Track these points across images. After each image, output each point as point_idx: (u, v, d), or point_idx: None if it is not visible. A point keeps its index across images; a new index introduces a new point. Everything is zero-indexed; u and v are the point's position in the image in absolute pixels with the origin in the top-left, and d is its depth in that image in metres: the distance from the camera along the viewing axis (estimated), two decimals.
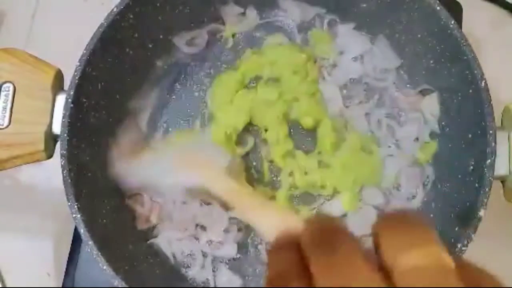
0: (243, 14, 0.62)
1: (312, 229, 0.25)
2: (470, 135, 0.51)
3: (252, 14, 0.62)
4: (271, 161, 0.58)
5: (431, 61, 0.56)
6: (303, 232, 0.25)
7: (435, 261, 0.21)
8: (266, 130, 0.58)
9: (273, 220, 0.32)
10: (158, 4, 0.55)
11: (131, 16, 0.53)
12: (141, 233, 0.56)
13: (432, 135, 0.58)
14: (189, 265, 0.56)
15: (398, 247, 0.22)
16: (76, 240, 0.58)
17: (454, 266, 0.21)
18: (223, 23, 0.62)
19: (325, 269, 0.22)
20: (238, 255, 0.56)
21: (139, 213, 0.56)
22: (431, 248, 0.22)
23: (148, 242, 0.55)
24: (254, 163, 0.58)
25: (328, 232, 0.23)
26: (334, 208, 0.56)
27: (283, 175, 0.57)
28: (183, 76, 0.61)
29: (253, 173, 0.58)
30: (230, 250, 0.55)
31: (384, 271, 0.22)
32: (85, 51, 0.49)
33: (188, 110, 0.60)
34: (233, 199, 0.39)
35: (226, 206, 0.49)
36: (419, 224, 0.23)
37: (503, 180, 0.50)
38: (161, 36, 0.59)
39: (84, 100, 0.50)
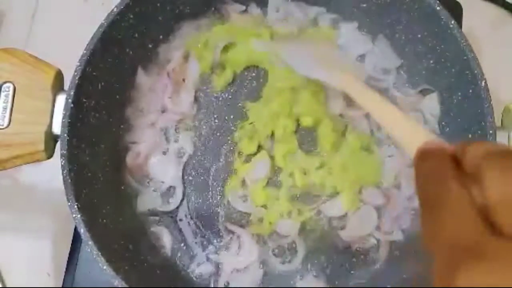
0: (245, 11, 0.62)
1: (485, 145, 0.25)
2: (470, 135, 0.51)
3: (255, 11, 0.62)
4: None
5: (431, 61, 0.56)
6: (470, 143, 0.26)
7: None
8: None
9: (416, 133, 0.33)
10: (158, 4, 0.55)
11: (131, 16, 0.53)
12: (141, 233, 0.56)
13: None
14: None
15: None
16: (76, 240, 0.58)
17: None
18: (223, 23, 0.62)
19: (500, 174, 0.22)
20: None
21: None
22: None
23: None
24: None
25: (505, 150, 0.24)
26: (334, 208, 0.56)
27: (283, 175, 0.57)
28: None
29: None
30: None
31: None
32: (85, 51, 0.49)
33: None
34: (374, 107, 0.41)
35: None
36: None
37: None
38: (161, 36, 0.59)
39: (84, 100, 0.50)
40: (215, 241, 0.56)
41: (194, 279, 0.55)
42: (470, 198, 0.23)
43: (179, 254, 0.56)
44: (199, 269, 0.56)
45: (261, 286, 0.55)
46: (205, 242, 0.56)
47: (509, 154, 0.24)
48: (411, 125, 0.35)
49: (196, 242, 0.56)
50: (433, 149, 0.29)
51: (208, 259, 0.56)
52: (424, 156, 0.29)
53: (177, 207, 0.57)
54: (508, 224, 0.21)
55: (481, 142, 0.26)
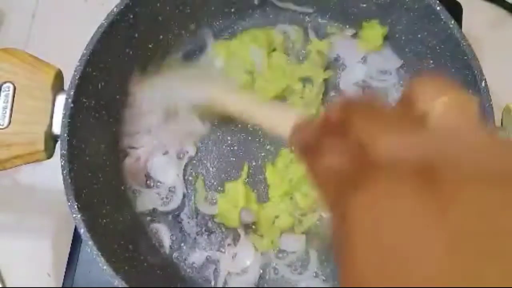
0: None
1: (350, 98, 0.27)
2: None
3: None
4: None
5: (431, 61, 0.56)
6: (339, 103, 0.27)
7: (464, 109, 0.24)
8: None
9: (287, 117, 0.35)
10: (158, 4, 0.55)
11: (131, 16, 0.53)
12: (141, 233, 0.56)
13: None
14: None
15: (432, 94, 0.24)
16: (76, 240, 0.58)
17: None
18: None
19: (370, 119, 0.24)
20: None
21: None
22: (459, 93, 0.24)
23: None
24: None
25: (368, 99, 0.27)
26: None
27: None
28: None
29: None
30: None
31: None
32: (85, 51, 0.49)
33: None
34: (244, 109, 0.42)
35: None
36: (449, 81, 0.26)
37: None
38: (161, 36, 0.59)
39: (84, 100, 0.50)
40: (214, 241, 0.56)
41: (194, 278, 0.55)
42: (343, 149, 0.24)
43: (179, 254, 0.56)
44: (198, 268, 0.56)
45: (260, 286, 0.55)
46: (204, 243, 0.56)
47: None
48: (282, 112, 0.38)
49: (196, 242, 0.56)
50: (302, 124, 0.31)
51: (208, 259, 0.56)
52: (296, 131, 0.31)
53: (178, 207, 0.57)
54: (380, 150, 0.22)
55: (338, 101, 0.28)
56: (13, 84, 0.49)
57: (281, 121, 0.35)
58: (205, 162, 0.58)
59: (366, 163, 0.22)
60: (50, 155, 0.50)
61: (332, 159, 0.24)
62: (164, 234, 0.56)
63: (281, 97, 0.57)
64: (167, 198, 0.57)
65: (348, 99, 0.27)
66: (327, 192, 0.25)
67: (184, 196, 0.57)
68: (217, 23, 0.62)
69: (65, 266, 0.57)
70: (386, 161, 0.21)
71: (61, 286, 0.57)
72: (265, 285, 0.55)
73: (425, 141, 0.22)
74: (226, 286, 0.55)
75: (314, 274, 0.55)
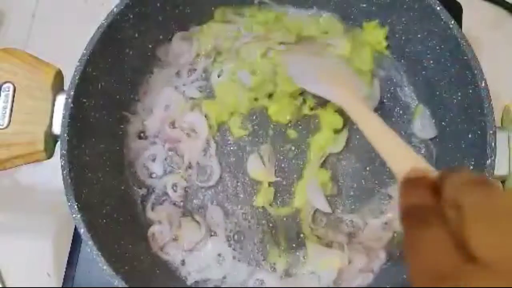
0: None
1: (466, 175, 0.27)
2: (470, 135, 0.51)
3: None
4: None
5: (431, 61, 0.56)
6: (453, 173, 0.28)
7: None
8: None
9: (404, 157, 0.35)
10: (158, 4, 0.55)
11: (131, 16, 0.53)
12: (141, 232, 0.56)
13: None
14: None
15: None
16: (76, 240, 0.58)
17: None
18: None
19: (480, 212, 0.24)
20: None
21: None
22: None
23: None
24: None
25: (484, 183, 0.26)
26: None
27: None
28: None
29: None
30: None
31: None
32: (85, 51, 0.49)
33: None
34: (367, 126, 0.42)
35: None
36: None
37: (503, 180, 0.50)
38: (161, 36, 0.59)
39: (84, 100, 0.50)
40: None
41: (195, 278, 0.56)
42: (448, 231, 0.25)
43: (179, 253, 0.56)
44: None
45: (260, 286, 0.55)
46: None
47: (484, 184, 0.26)
48: (401, 149, 0.37)
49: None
50: (416, 180, 0.31)
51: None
52: (408, 185, 0.31)
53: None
54: (481, 250, 0.23)
55: (460, 171, 0.28)
56: (13, 84, 0.49)
57: (399, 159, 0.36)
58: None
59: (469, 257, 0.22)
60: (50, 155, 0.50)
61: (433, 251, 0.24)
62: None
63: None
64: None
65: (464, 175, 0.27)
66: (419, 277, 0.25)
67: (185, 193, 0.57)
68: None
69: (65, 266, 0.57)
70: (490, 259, 0.22)
71: (61, 286, 0.57)
72: None
73: None
74: (226, 286, 0.55)
75: None
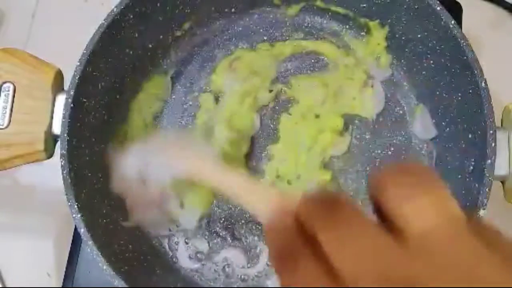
0: None
1: (313, 200, 0.25)
2: (470, 135, 0.51)
3: None
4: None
5: (431, 61, 0.56)
6: (303, 203, 0.25)
7: (443, 212, 0.21)
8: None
9: (265, 200, 0.31)
10: (158, 4, 0.55)
11: (131, 16, 0.53)
12: (140, 233, 0.56)
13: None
14: None
15: (402, 196, 0.21)
16: (76, 240, 0.58)
17: (464, 218, 0.21)
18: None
19: (332, 232, 0.22)
20: None
21: None
22: (438, 194, 0.21)
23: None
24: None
25: (331, 201, 0.23)
26: None
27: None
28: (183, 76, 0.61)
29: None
30: None
31: (388, 225, 0.22)
32: (85, 51, 0.49)
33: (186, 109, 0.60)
34: (222, 184, 0.37)
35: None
36: (424, 171, 0.22)
37: (503, 180, 0.50)
38: (161, 36, 0.59)
39: (84, 100, 0.50)
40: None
41: (194, 278, 0.55)
42: (315, 259, 0.22)
43: (179, 254, 0.56)
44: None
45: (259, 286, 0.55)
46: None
47: (330, 203, 0.23)
48: (258, 188, 0.34)
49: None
50: (277, 223, 0.27)
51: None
52: (271, 231, 0.28)
53: None
54: (342, 267, 0.21)
55: (305, 198, 0.25)
56: (13, 84, 0.49)
57: (260, 200, 0.32)
58: None
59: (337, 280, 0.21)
60: (50, 155, 0.50)
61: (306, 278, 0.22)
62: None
63: None
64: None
65: (311, 198, 0.25)
66: None
67: None
68: (217, 23, 0.62)
69: (65, 266, 0.57)
70: (352, 275, 0.20)
71: (61, 286, 0.57)
72: None
73: (401, 261, 0.20)
74: (226, 286, 0.55)
75: None
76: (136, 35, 0.55)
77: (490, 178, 0.47)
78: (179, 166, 0.43)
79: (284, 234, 0.25)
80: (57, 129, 0.49)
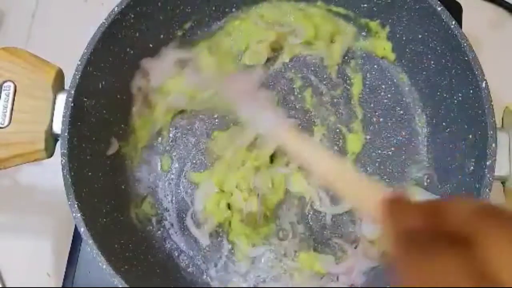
0: None
1: (481, 206, 0.25)
2: (470, 136, 0.51)
3: None
4: None
5: (432, 61, 0.56)
6: (459, 207, 0.25)
7: None
8: None
9: (372, 195, 0.32)
10: (159, 4, 0.55)
11: (132, 16, 0.53)
12: (140, 233, 0.56)
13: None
14: None
15: (502, 249, 0.22)
16: (76, 240, 0.57)
17: None
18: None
19: (502, 238, 0.22)
20: None
21: None
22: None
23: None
24: None
25: (500, 211, 0.24)
26: None
27: None
28: None
29: None
30: None
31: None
32: (86, 51, 0.49)
33: None
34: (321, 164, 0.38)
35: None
36: None
37: (503, 180, 0.50)
38: (162, 36, 0.59)
39: (85, 99, 0.50)
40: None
41: (194, 278, 0.55)
42: (462, 256, 0.23)
43: (179, 253, 0.56)
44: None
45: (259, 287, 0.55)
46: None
47: (506, 216, 0.24)
48: (363, 180, 0.34)
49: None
50: (404, 202, 0.28)
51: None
52: (396, 208, 0.28)
53: None
54: (507, 275, 0.22)
55: (465, 200, 0.26)
56: (14, 83, 0.49)
57: (366, 191, 0.32)
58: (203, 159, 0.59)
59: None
60: (50, 154, 0.50)
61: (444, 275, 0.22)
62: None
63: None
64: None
65: (479, 204, 0.25)
66: None
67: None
68: (218, 22, 0.62)
69: (65, 266, 0.57)
70: None
71: (61, 286, 0.57)
72: None
73: None
74: (225, 286, 0.55)
75: None
76: (137, 34, 0.55)
77: (490, 179, 0.47)
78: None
79: (415, 216, 0.26)
80: (57, 128, 0.49)
